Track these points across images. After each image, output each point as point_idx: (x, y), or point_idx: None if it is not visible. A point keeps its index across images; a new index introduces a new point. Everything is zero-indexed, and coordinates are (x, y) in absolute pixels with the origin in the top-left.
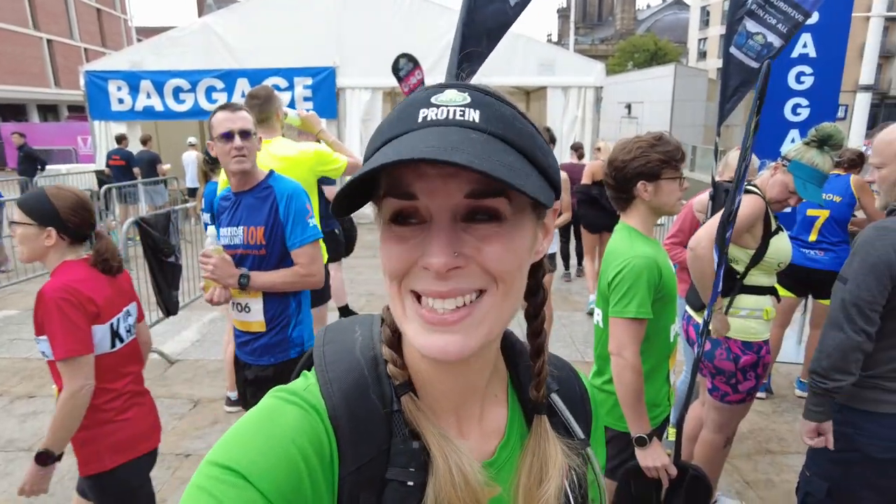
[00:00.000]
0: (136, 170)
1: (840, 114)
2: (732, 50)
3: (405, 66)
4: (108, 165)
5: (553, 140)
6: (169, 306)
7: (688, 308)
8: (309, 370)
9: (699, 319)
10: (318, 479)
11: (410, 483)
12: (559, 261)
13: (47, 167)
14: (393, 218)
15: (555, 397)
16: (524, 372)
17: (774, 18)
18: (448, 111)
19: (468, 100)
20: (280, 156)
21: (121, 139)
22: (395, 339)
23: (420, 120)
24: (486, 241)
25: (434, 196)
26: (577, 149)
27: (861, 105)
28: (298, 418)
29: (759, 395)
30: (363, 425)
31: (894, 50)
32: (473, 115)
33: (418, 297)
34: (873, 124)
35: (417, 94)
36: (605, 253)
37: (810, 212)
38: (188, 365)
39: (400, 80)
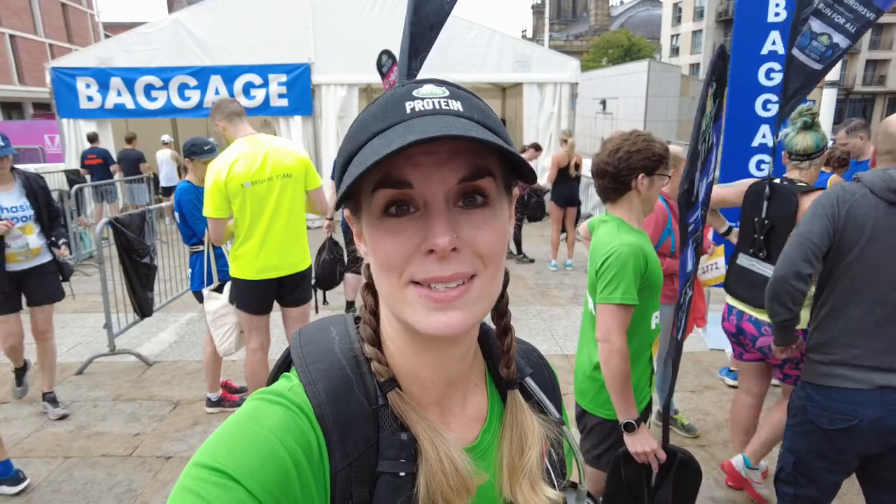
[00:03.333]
0: (113, 167)
1: None
2: (795, 52)
3: (386, 62)
4: (83, 165)
5: (539, 149)
6: (143, 308)
7: (738, 303)
8: (288, 372)
9: (759, 316)
10: (308, 477)
11: (402, 474)
12: (512, 246)
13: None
14: (385, 209)
15: (529, 381)
16: (498, 357)
17: (843, 17)
18: (433, 102)
19: (447, 92)
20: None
21: (93, 138)
22: (377, 338)
23: (409, 111)
24: (478, 226)
25: (429, 182)
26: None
27: (827, 100)
28: (284, 418)
29: (734, 383)
30: (350, 422)
31: (858, 47)
32: (456, 105)
33: (418, 284)
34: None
35: (396, 89)
36: (593, 243)
37: None
38: (166, 367)
39: (382, 76)
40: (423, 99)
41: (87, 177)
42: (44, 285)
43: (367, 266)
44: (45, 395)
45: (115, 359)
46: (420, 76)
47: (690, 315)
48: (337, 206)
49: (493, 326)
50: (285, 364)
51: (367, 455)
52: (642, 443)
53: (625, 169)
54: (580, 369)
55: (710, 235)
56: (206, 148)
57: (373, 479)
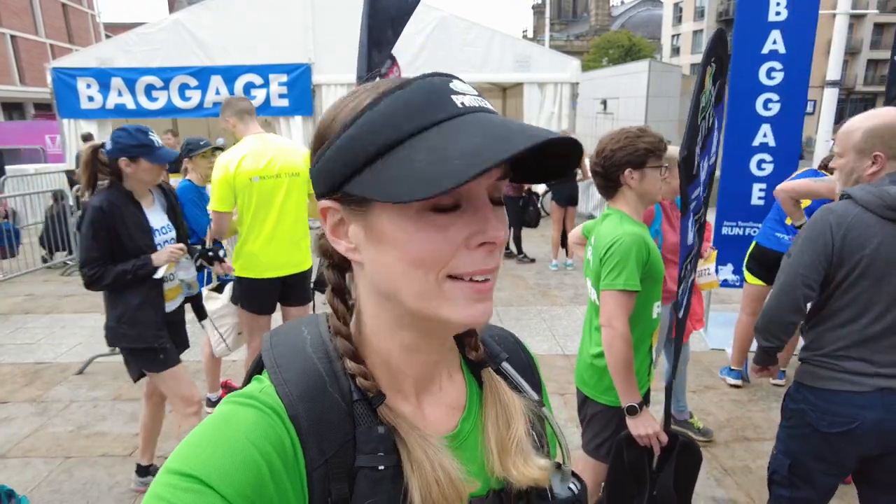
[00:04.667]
0: None
1: (808, 109)
2: None
3: (386, 62)
4: (78, 166)
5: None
6: None
7: None
8: (260, 374)
9: None
10: (282, 478)
11: (381, 467)
12: (513, 246)
13: (15, 167)
14: (432, 207)
15: (506, 365)
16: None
17: None
18: (475, 100)
19: (475, 91)
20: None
21: (87, 138)
22: (354, 348)
23: (460, 106)
24: (502, 221)
25: (479, 180)
26: None
27: (828, 100)
28: (256, 420)
29: (734, 382)
30: (325, 420)
31: (859, 46)
32: (489, 105)
33: (455, 278)
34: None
35: (429, 79)
36: (597, 235)
37: None
38: None
39: (381, 75)
40: (464, 94)
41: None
42: (182, 331)
43: (331, 266)
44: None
45: (115, 359)
46: (416, 74)
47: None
48: (393, 199)
49: None
50: (257, 367)
51: (344, 451)
52: (644, 426)
53: (611, 167)
54: (582, 357)
55: (710, 239)
56: (201, 143)
57: (351, 474)
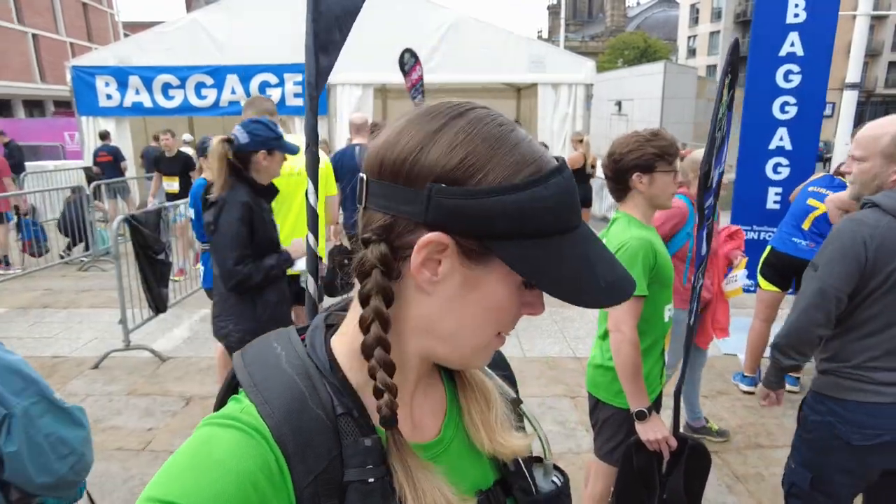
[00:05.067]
0: (123, 164)
1: (827, 111)
2: None
3: (409, 60)
4: (95, 163)
5: (546, 148)
6: (158, 304)
7: None
8: (236, 393)
9: None
10: (269, 500)
11: (371, 480)
12: None
13: (35, 163)
14: (526, 283)
15: None
16: None
17: None
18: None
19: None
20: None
21: (105, 135)
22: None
23: (549, 169)
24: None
25: None
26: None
27: (848, 103)
28: (239, 442)
29: (748, 389)
30: (309, 436)
31: (880, 48)
32: None
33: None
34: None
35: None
36: (607, 240)
37: (811, 201)
38: (179, 362)
39: (405, 73)
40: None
41: (100, 174)
42: None
43: (380, 293)
44: None
45: (129, 354)
46: (430, 75)
47: (709, 325)
48: (509, 259)
49: None
50: (231, 387)
51: (332, 467)
52: (654, 430)
53: (619, 170)
54: (592, 361)
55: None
56: None
57: (341, 489)
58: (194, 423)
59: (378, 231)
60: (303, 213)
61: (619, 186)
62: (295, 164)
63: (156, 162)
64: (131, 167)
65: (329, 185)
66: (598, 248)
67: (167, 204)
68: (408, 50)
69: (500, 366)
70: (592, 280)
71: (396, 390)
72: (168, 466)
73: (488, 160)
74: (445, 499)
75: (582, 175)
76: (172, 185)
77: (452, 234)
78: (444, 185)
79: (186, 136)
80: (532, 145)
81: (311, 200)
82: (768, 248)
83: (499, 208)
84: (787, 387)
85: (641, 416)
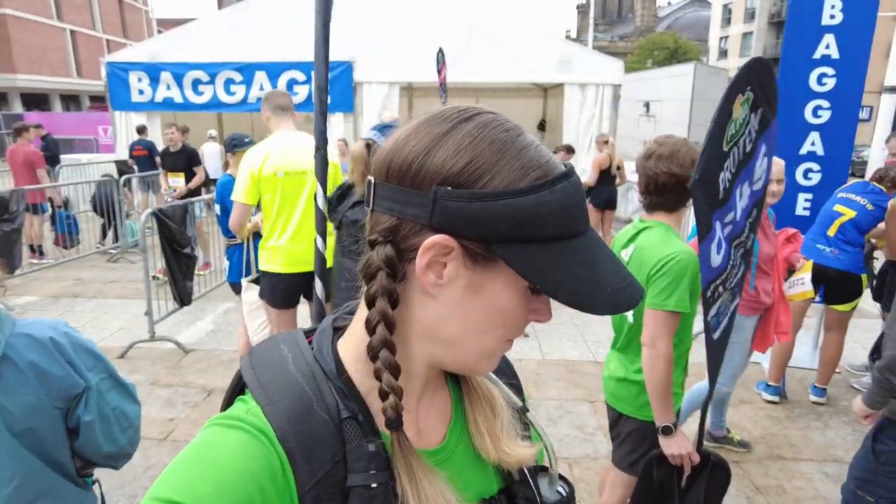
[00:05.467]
0: (157, 158)
1: (864, 115)
2: None
3: (439, 59)
4: (131, 156)
5: (571, 151)
6: (183, 297)
7: None
8: (242, 395)
9: None
10: (273, 502)
11: (374, 485)
12: None
13: (69, 156)
14: (532, 289)
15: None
16: None
17: None
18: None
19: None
20: None
21: (141, 130)
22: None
23: (555, 175)
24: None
25: None
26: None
27: (887, 107)
28: (244, 443)
29: (771, 398)
30: (314, 439)
31: None
32: None
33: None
34: None
35: (573, 178)
36: (639, 247)
37: (838, 207)
38: (202, 355)
39: (438, 72)
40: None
41: (135, 167)
42: None
43: (387, 295)
44: None
45: (154, 345)
46: (458, 75)
47: (771, 328)
48: (519, 269)
49: None
50: (238, 388)
51: (335, 471)
52: (679, 446)
53: (683, 181)
54: (613, 374)
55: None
56: (245, 140)
57: (344, 494)
58: (215, 414)
59: (384, 233)
60: (307, 213)
61: (676, 197)
62: (298, 164)
63: (161, 158)
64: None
65: (336, 183)
66: (606, 254)
67: (193, 200)
68: (440, 49)
69: (507, 373)
70: (598, 286)
71: (402, 392)
72: (173, 466)
73: (494, 164)
74: (447, 501)
75: (607, 177)
76: (177, 180)
77: (457, 237)
78: (449, 188)
79: (212, 132)
80: (539, 150)
81: (320, 202)
82: None
83: (503, 212)
84: (813, 398)
85: (667, 431)
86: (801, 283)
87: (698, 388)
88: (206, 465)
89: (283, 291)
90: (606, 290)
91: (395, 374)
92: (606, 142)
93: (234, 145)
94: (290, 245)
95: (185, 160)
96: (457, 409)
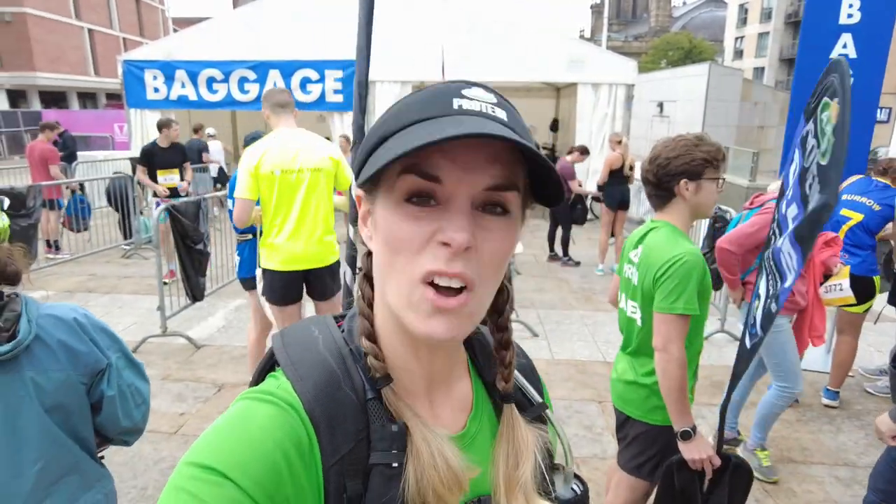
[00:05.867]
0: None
1: (882, 117)
2: None
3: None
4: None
5: (586, 152)
6: (195, 292)
7: None
8: (273, 371)
9: None
10: (299, 472)
11: (395, 465)
12: (558, 248)
13: (86, 153)
14: (408, 196)
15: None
16: (480, 350)
17: None
18: (481, 105)
19: (495, 99)
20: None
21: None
22: (373, 331)
23: (455, 107)
24: (490, 231)
25: (459, 182)
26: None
27: None
28: (274, 415)
29: (831, 403)
30: (340, 416)
31: None
32: (501, 114)
33: (428, 285)
34: None
35: (447, 84)
36: (646, 249)
37: (844, 212)
38: (213, 350)
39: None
40: (471, 99)
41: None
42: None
43: (368, 255)
44: None
45: (166, 340)
46: (469, 73)
47: (805, 332)
48: (361, 183)
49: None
50: (269, 365)
51: (359, 448)
52: (699, 450)
53: (664, 176)
54: (622, 377)
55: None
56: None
57: (366, 471)
58: (224, 409)
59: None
60: (305, 211)
61: (662, 193)
62: (294, 162)
63: (147, 155)
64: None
65: (343, 179)
66: (449, 121)
67: (206, 195)
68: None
69: (530, 372)
70: (397, 147)
71: (376, 353)
72: (206, 435)
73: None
74: (444, 459)
75: (619, 177)
76: (171, 177)
77: (360, 186)
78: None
79: (210, 130)
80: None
81: (353, 193)
82: None
83: (361, 145)
84: (825, 401)
85: (686, 435)
86: (840, 289)
87: (768, 399)
88: (236, 435)
89: (281, 289)
90: (410, 136)
91: (370, 338)
92: (620, 141)
93: (247, 142)
94: (287, 243)
95: (180, 156)
96: (478, 400)
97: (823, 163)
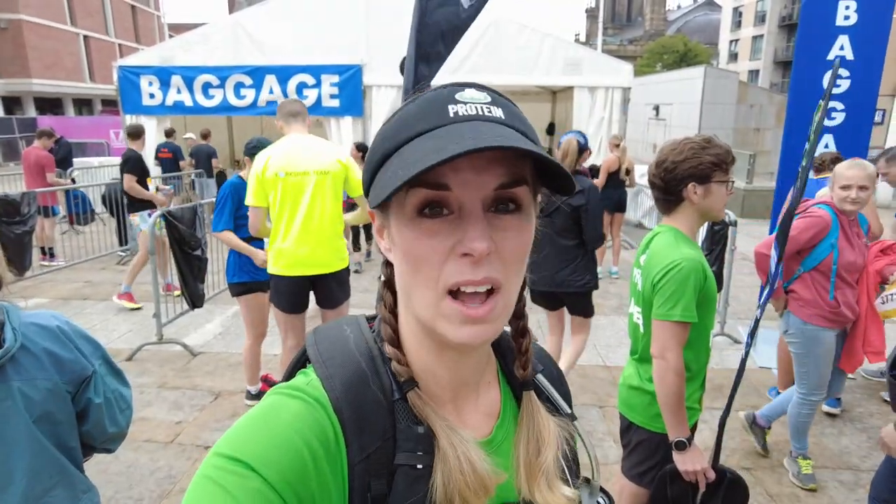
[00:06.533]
0: (182, 163)
1: (878, 118)
2: None
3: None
4: (156, 158)
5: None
6: (194, 299)
7: None
8: (304, 368)
9: None
10: (324, 468)
11: (420, 466)
12: None
13: (81, 160)
14: (419, 210)
15: (540, 377)
16: (509, 356)
17: None
18: (476, 107)
19: (489, 98)
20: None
21: (170, 133)
22: (397, 337)
23: (451, 115)
24: (508, 233)
25: (468, 187)
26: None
27: None
28: (302, 411)
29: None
30: (367, 415)
31: None
32: (498, 112)
33: (453, 296)
34: None
35: (438, 90)
36: (649, 255)
37: None
38: (210, 357)
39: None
40: (465, 103)
41: (159, 168)
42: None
43: (386, 263)
44: None
45: (162, 347)
46: (466, 76)
47: (859, 347)
48: (373, 205)
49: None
50: (301, 361)
51: (385, 448)
52: (693, 461)
53: (672, 180)
54: (627, 381)
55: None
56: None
57: (391, 471)
58: (222, 417)
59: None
60: (310, 215)
61: (670, 197)
62: (299, 164)
63: (138, 162)
64: (154, 167)
65: (355, 185)
66: (451, 133)
67: (202, 201)
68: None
69: (558, 382)
70: (405, 167)
71: (401, 357)
72: (236, 427)
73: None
74: (471, 463)
75: (616, 180)
76: (166, 186)
77: (373, 207)
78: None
79: (190, 135)
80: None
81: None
82: None
83: (366, 162)
84: (825, 408)
85: (681, 446)
86: (893, 300)
87: (787, 395)
88: (264, 428)
89: (287, 294)
90: (406, 168)
91: (393, 344)
92: (617, 144)
93: (253, 147)
94: (293, 247)
95: (170, 164)
96: (506, 408)
97: (804, 164)
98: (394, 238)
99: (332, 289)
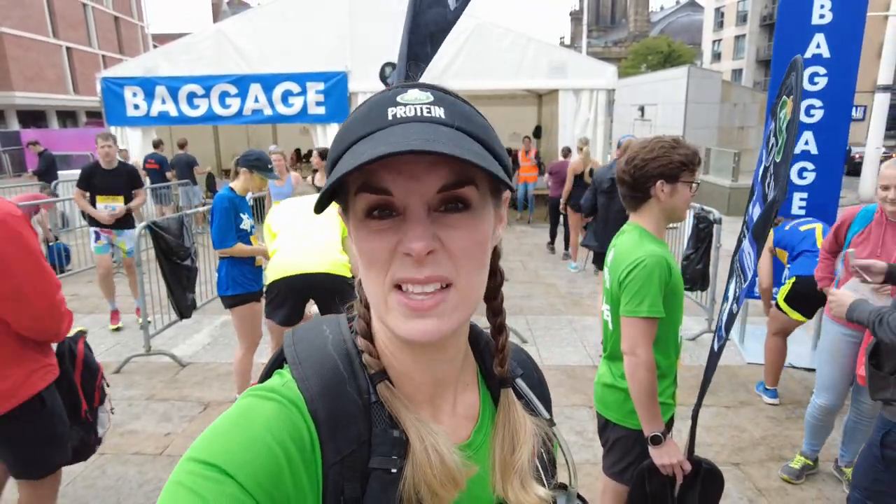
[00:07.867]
0: (168, 174)
1: (857, 115)
2: None
3: (391, 73)
4: (144, 169)
5: (569, 153)
6: (182, 309)
7: None
8: (281, 369)
9: None
10: (300, 471)
11: (394, 470)
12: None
13: (66, 172)
14: (367, 213)
15: (520, 382)
16: (490, 360)
17: None
18: (415, 109)
19: (431, 98)
20: None
21: (157, 144)
22: (369, 331)
23: (390, 118)
24: (454, 229)
25: (408, 191)
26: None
27: (880, 106)
28: (276, 413)
29: (771, 401)
30: (343, 417)
31: None
32: (438, 112)
33: (400, 289)
34: (893, 126)
35: (383, 93)
36: (615, 253)
37: (805, 227)
38: (199, 368)
39: (387, 87)
40: (405, 105)
41: (147, 179)
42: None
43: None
44: None
45: (150, 359)
46: (450, 82)
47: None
48: (321, 206)
49: (487, 327)
50: (278, 362)
51: (360, 451)
52: (669, 455)
53: (641, 177)
54: (601, 380)
55: None
56: (269, 167)
57: (364, 475)
58: None
59: None
60: (299, 220)
61: (637, 194)
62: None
63: (88, 177)
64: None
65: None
66: (381, 137)
67: (188, 211)
68: (389, 63)
69: (539, 386)
70: (349, 159)
71: (372, 349)
72: (209, 431)
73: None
74: (439, 455)
75: (581, 181)
76: (115, 205)
77: (340, 203)
78: None
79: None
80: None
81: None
82: (794, 279)
83: (326, 170)
84: (767, 400)
85: (656, 440)
86: None
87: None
88: (238, 431)
89: (277, 297)
90: (348, 160)
91: (365, 336)
92: (581, 148)
93: (256, 167)
94: (287, 255)
95: (126, 180)
96: (485, 412)
97: (778, 160)
98: (352, 238)
99: (335, 299)
